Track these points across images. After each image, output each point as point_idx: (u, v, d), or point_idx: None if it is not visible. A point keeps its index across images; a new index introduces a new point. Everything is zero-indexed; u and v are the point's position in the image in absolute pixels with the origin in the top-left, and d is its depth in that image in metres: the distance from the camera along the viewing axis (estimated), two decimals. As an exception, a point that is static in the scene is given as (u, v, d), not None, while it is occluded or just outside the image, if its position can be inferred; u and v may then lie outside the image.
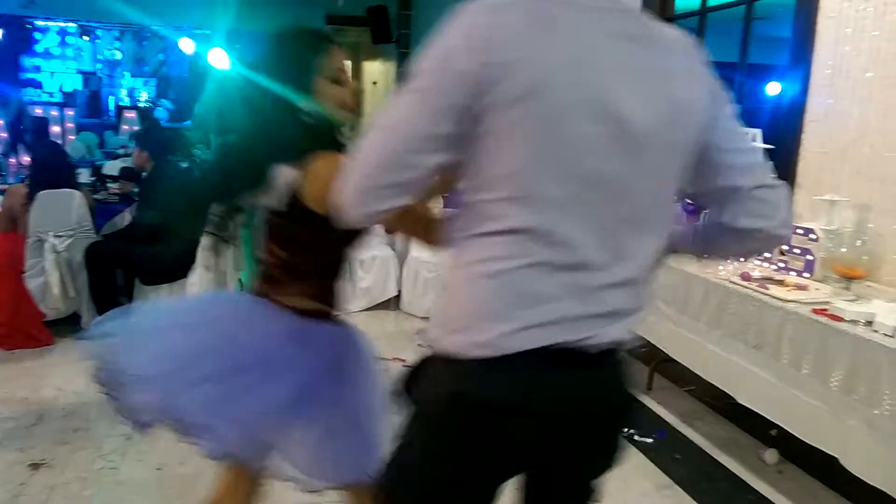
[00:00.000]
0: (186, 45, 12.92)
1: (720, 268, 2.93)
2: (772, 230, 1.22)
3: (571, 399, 1.11)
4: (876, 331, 2.14)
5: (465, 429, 1.07)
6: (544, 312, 1.04)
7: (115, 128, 12.08)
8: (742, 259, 2.86)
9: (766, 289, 2.57)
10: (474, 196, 1.07)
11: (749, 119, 4.83)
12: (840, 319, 2.25)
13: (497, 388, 1.05)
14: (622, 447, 1.24)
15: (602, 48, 1.04)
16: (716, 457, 2.91)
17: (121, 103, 13.63)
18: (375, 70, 14.27)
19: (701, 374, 2.93)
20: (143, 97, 14.09)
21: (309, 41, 1.53)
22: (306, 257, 1.55)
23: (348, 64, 1.56)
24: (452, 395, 1.08)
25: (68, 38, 13.44)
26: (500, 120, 1.00)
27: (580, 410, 1.12)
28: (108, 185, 5.32)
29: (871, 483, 2.11)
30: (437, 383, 1.11)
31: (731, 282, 2.71)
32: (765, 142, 3.34)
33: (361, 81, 1.80)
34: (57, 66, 13.49)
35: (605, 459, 1.23)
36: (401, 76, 11.12)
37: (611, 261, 1.08)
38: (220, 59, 13.68)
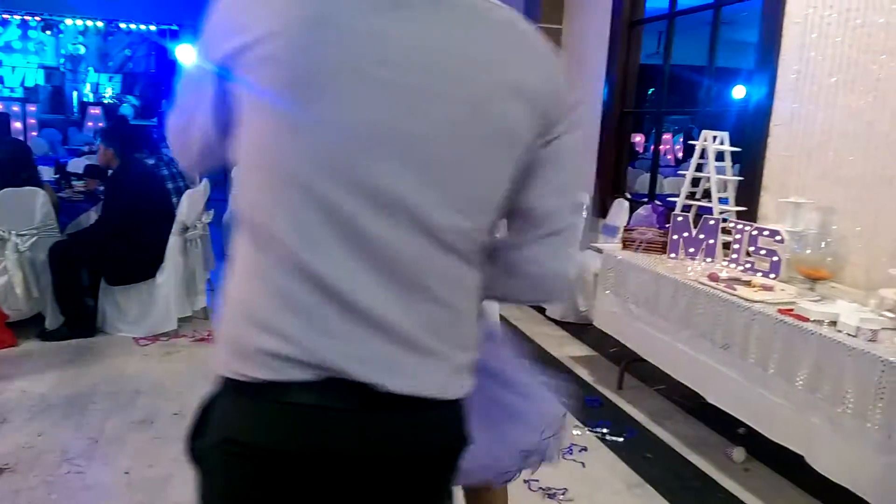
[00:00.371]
0: (182, 51, 12.72)
1: (689, 269, 2.97)
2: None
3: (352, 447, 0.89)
4: (840, 331, 2.19)
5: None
6: None
7: (80, 124, 11.85)
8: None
9: (734, 289, 2.61)
10: None
11: (716, 122, 4.92)
12: (805, 319, 2.30)
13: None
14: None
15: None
16: (685, 455, 2.96)
17: (85, 99, 13.36)
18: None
19: (671, 374, 2.97)
20: (109, 93, 13.82)
21: None
22: None
23: None
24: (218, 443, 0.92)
25: (30, 32, 13.12)
26: None
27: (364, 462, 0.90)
28: (73, 182, 5.21)
29: (835, 480, 2.16)
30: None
31: (699, 282, 2.75)
32: (732, 144, 3.40)
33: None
34: (18, 61, 13.17)
35: None
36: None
37: None
38: (188, 54, 13.50)
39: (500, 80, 0.88)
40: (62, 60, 13.21)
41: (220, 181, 9.11)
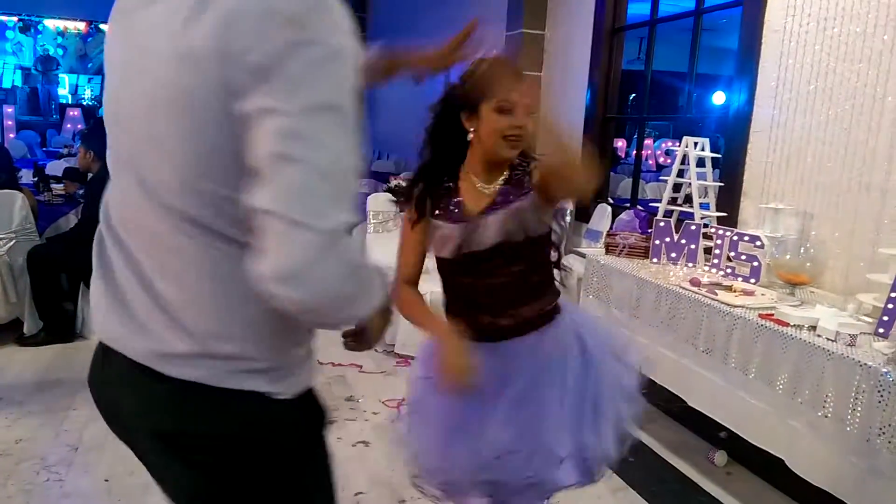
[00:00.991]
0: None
1: (671, 274, 3.00)
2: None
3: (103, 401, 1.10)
4: (819, 335, 2.22)
5: None
6: None
7: (58, 126, 11.71)
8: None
9: (715, 294, 2.64)
10: None
11: (696, 127, 4.96)
12: (785, 324, 2.32)
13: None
14: (193, 490, 1.01)
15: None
16: (668, 459, 2.98)
17: (64, 101, 13.20)
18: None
19: (653, 378, 2.98)
20: (88, 95, 13.68)
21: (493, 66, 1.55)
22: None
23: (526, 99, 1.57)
24: None
25: (7, 33, 12.95)
26: None
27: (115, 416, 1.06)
28: (52, 186, 5.15)
29: (815, 483, 2.19)
30: None
31: (681, 287, 2.78)
32: (712, 150, 3.44)
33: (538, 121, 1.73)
34: (-5, 62, 13.00)
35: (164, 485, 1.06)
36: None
37: None
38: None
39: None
40: (40, 62, 13.04)
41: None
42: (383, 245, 4.10)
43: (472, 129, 1.60)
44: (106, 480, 2.64)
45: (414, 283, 1.70)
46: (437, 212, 1.65)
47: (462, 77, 1.57)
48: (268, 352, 0.95)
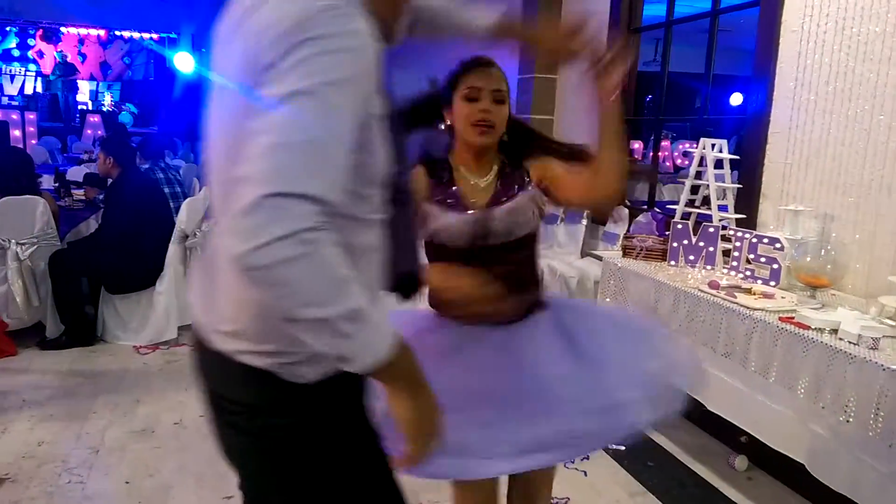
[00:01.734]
0: (181, 60, 12.72)
1: (689, 277, 2.98)
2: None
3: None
4: (841, 339, 2.19)
5: None
6: None
7: (79, 132, 11.85)
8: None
9: (734, 297, 2.62)
10: None
11: (715, 129, 4.92)
12: (806, 328, 2.30)
13: None
14: (229, 446, 1.15)
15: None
16: (687, 464, 2.96)
17: (84, 107, 13.38)
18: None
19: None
20: (108, 101, 13.84)
21: (467, 60, 1.67)
22: None
23: (493, 85, 1.65)
24: None
25: (29, 41, 13.15)
26: None
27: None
28: (73, 191, 5.22)
29: (836, 489, 2.16)
30: None
31: (699, 290, 2.76)
32: (730, 152, 3.41)
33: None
34: (17, 69, 13.19)
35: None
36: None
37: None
38: (186, 63, 13.54)
39: None
40: (61, 69, 13.22)
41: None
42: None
43: (448, 122, 1.67)
44: (127, 483, 2.67)
45: None
46: (435, 198, 1.66)
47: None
48: (275, 340, 1.02)
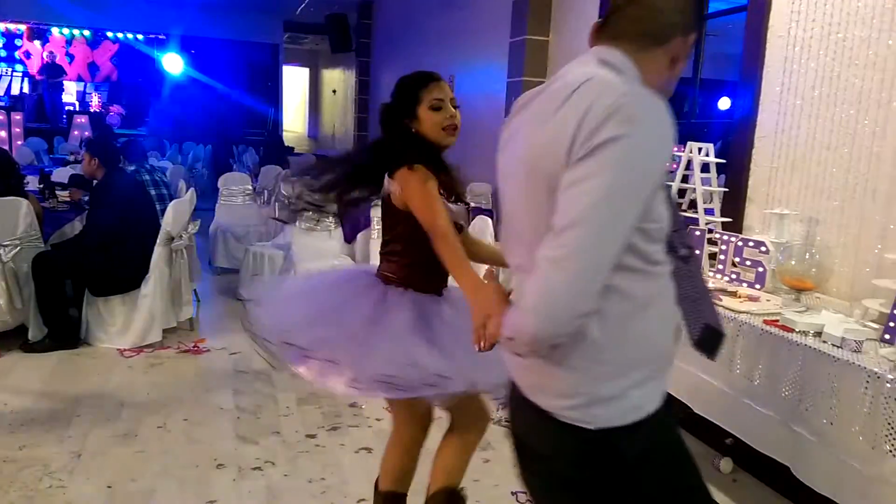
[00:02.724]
0: (170, 62, 12.66)
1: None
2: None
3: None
4: (825, 341, 2.20)
5: None
6: None
7: (66, 133, 11.77)
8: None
9: (720, 300, 2.62)
10: None
11: (702, 133, 4.94)
12: (790, 330, 2.31)
13: None
14: (532, 488, 1.31)
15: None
16: (672, 466, 2.95)
17: (71, 108, 13.28)
18: (335, 78, 14.23)
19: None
20: (95, 102, 13.75)
21: (417, 78, 1.99)
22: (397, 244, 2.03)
23: (449, 94, 1.99)
24: None
25: (16, 41, 13.05)
26: None
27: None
28: (57, 192, 5.18)
29: (820, 491, 2.17)
30: None
31: (686, 293, 2.76)
32: (717, 156, 3.43)
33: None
34: (3, 69, 13.09)
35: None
36: (360, 85, 11.09)
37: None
38: (174, 64, 13.48)
39: None
40: (48, 69, 13.13)
41: (208, 191, 9.04)
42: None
43: (415, 129, 1.97)
44: (109, 487, 2.64)
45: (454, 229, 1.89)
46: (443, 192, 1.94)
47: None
48: (586, 385, 1.15)
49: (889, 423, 1.92)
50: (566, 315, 1.03)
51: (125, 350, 4.11)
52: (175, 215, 4.21)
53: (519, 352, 1.15)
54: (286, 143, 13.56)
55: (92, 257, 4.05)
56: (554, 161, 1.08)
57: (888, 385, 1.93)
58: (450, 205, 1.93)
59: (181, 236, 4.35)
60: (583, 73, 1.16)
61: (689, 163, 3.41)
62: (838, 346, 2.15)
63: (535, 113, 1.21)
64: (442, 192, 1.91)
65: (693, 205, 3.42)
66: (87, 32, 13.13)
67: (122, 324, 4.18)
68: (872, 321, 2.35)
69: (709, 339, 1.28)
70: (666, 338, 1.21)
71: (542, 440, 1.22)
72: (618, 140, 1.02)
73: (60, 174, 6.18)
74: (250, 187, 6.67)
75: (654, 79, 1.22)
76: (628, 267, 1.09)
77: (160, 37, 13.30)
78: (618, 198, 1.03)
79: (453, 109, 1.96)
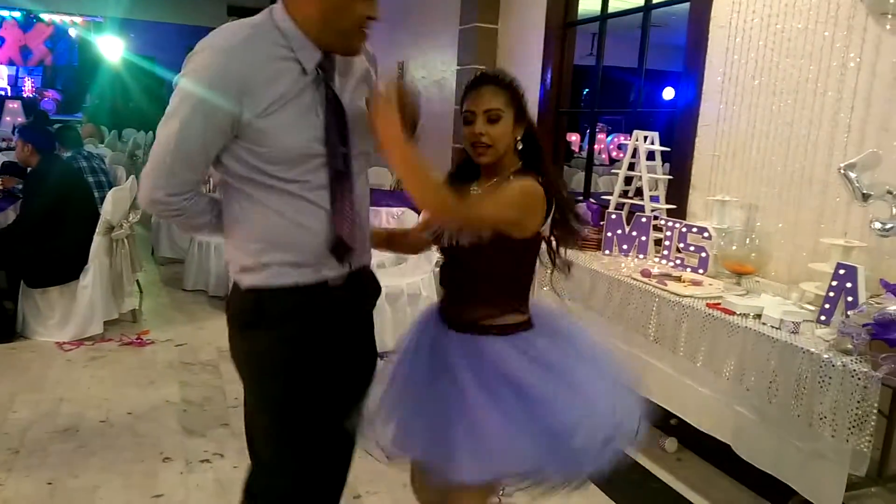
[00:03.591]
0: (107, 45, 12.14)
1: (622, 266, 3.04)
2: None
3: None
4: (764, 323, 2.27)
5: None
6: None
7: (-3, 119, 11.27)
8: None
9: (665, 285, 2.68)
10: None
11: (647, 122, 5.04)
12: (731, 313, 2.38)
13: None
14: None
15: None
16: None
17: (2, 93, 12.71)
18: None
19: (605, 368, 3.02)
20: (28, 87, 13.19)
21: (468, 84, 1.70)
22: None
23: (484, 105, 1.65)
24: None
25: (-58, 22, 12.42)
26: None
27: None
28: (-11, 180, 4.95)
29: (760, 467, 2.25)
30: None
31: (632, 278, 2.82)
32: (662, 144, 3.50)
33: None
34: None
35: None
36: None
37: None
38: (113, 48, 13.03)
39: None
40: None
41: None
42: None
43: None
44: (49, 484, 2.55)
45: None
46: None
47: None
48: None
49: (822, 402, 2.00)
50: (143, 196, 1.45)
51: (64, 343, 3.97)
52: (115, 203, 4.08)
53: None
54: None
55: (27, 247, 3.90)
56: None
57: (823, 365, 2.01)
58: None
59: (122, 225, 4.22)
60: None
61: (636, 151, 3.47)
62: (777, 328, 2.22)
63: None
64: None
65: (639, 192, 3.48)
66: (17, 14, 12.57)
67: (61, 316, 4.03)
68: (809, 303, 2.44)
69: (338, 248, 1.49)
70: (299, 240, 1.45)
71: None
72: (179, 79, 1.37)
73: (-8, 161, 5.91)
74: (194, 175, 6.49)
75: (328, 19, 1.39)
76: (252, 180, 1.42)
77: (97, 19, 12.82)
78: (177, 128, 1.37)
79: (486, 125, 1.62)
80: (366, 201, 1.60)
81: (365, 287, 1.64)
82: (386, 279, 3.71)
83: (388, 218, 4.80)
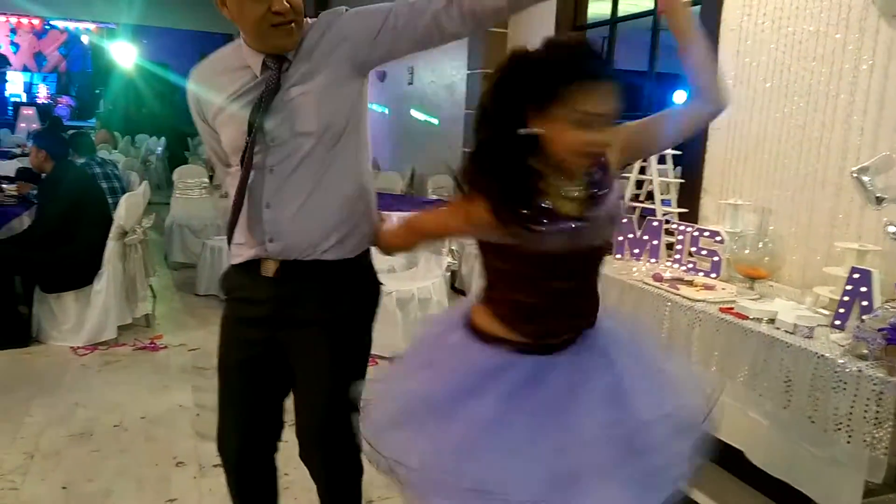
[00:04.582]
0: (120, 52, 12.26)
1: (634, 270, 3.03)
2: None
3: None
4: (778, 328, 2.26)
5: None
6: None
7: (12, 126, 11.39)
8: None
9: (677, 289, 2.67)
10: None
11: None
12: (745, 318, 2.36)
13: None
14: None
15: None
16: (631, 452, 3.00)
17: (17, 99, 12.86)
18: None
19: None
20: (43, 93, 13.33)
21: (559, 64, 1.28)
22: None
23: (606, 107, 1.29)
24: None
25: (-43, 30, 12.56)
26: None
27: None
28: (4, 186, 5.01)
29: (773, 474, 2.23)
30: None
31: (644, 283, 2.81)
32: (672, 147, 3.48)
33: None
34: (-55, 59, 12.58)
35: None
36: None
37: None
38: (125, 54, 13.14)
39: None
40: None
41: (163, 185, 8.84)
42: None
43: (536, 131, 1.30)
44: (64, 488, 2.58)
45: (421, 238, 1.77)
46: (518, 223, 1.32)
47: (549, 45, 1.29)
48: None
49: (837, 407, 1.99)
50: None
51: (79, 348, 4.00)
52: (128, 209, 4.11)
53: None
54: (243, 135, 13.32)
55: (41, 253, 3.93)
56: None
57: (838, 370, 2.00)
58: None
59: (135, 231, 4.25)
60: None
61: (647, 154, 3.45)
62: (791, 333, 2.20)
63: None
64: (531, 220, 1.36)
65: (651, 196, 3.47)
66: (34, 21, 12.71)
67: (75, 321, 4.07)
68: (823, 308, 2.42)
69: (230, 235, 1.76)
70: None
71: None
72: None
73: (8, 167, 5.98)
74: (207, 180, 6.54)
75: (244, 27, 1.59)
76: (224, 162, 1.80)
77: (110, 26, 12.94)
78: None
79: (605, 134, 1.38)
80: (300, 190, 1.64)
81: (300, 278, 1.70)
82: (396, 283, 3.72)
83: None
